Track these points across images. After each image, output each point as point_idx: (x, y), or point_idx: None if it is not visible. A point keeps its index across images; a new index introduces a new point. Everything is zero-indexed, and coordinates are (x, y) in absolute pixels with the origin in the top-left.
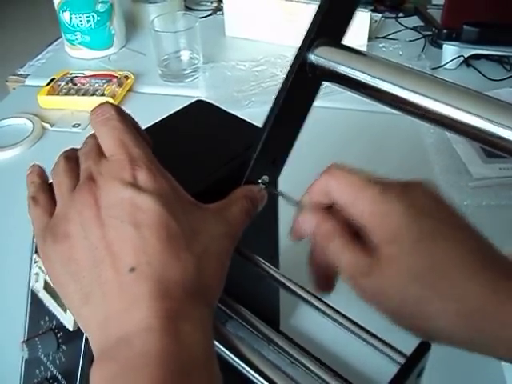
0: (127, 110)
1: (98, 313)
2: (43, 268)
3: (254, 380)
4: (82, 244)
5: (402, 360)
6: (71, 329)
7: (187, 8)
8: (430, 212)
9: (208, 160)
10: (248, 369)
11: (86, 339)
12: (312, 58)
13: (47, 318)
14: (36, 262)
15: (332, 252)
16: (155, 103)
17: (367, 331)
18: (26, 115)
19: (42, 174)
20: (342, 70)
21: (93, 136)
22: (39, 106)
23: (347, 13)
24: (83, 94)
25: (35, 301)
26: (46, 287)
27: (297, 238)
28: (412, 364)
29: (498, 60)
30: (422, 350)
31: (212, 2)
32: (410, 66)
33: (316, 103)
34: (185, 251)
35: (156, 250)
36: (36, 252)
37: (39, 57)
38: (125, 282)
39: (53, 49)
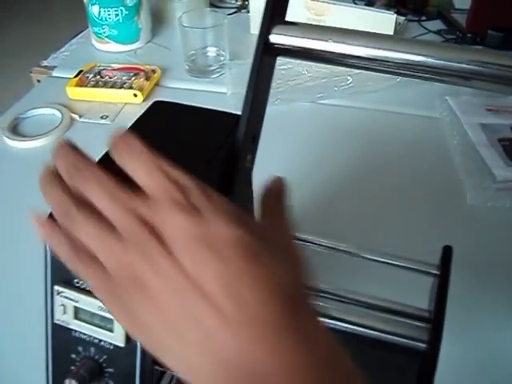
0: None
1: (211, 360)
2: (73, 295)
3: None
4: (173, 298)
5: None
6: (122, 345)
7: (212, 5)
8: None
9: (196, 157)
10: None
11: (142, 350)
12: (270, 37)
13: (80, 349)
14: (59, 292)
15: None
16: (183, 98)
17: None
18: (54, 105)
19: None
20: (297, 43)
21: (104, 181)
22: (68, 97)
23: None
24: (111, 87)
25: (61, 335)
26: (78, 314)
27: None
28: None
29: None
30: None
31: (237, 0)
32: None
33: (342, 103)
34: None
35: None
36: (56, 283)
37: (63, 49)
38: (233, 321)
39: (76, 41)
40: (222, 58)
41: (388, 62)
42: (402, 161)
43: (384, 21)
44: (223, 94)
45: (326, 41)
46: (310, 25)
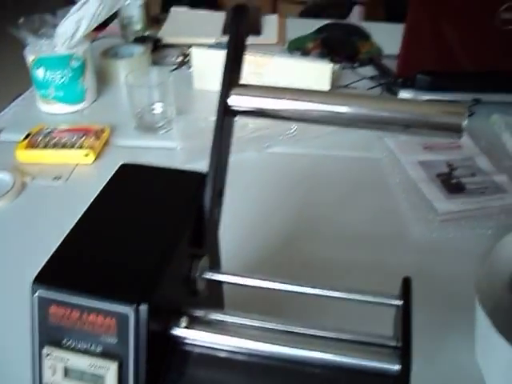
0: (107, 164)
1: None
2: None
3: None
4: None
5: None
6: None
7: (154, 63)
8: None
9: (169, 218)
10: None
11: None
12: (229, 100)
13: None
14: (48, 354)
15: None
16: (133, 155)
17: None
18: (4, 169)
19: None
20: (254, 103)
21: None
22: (17, 160)
23: (241, 58)
24: (62, 147)
25: None
26: (68, 374)
27: None
28: None
29: None
30: None
31: (178, 57)
32: None
33: (288, 150)
34: None
35: None
36: (44, 345)
37: (2, 113)
38: None
39: (19, 104)
40: (169, 114)
41: (336, 115)
42: (350, 202)
43: (321, 70)
44: (173, 149)
45: (280, 99)
46: (264, 86)
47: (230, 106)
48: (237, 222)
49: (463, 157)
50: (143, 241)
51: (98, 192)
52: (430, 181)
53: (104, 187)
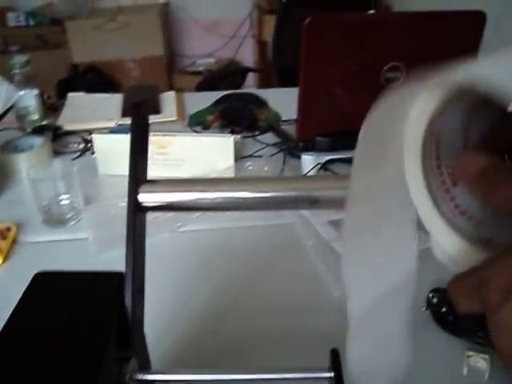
0: (15, 264)
1: None
2: None
3: None
4: None
5: None
6: None
7: (56, 152)
8: None
9: (92, 324)
10: None
11: None
12: (139, 197)
13: None
14: None
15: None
16: (42, 252)
17: None
18: None
19: None
20: (163, 198)
21: None
22: None
23: (146, 151)
24: None
25: None
26: None
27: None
28: None
29: (350, 161)
30: None
31: (79, 143)
32: None
33: (202, 227)
34: None
35: None
36: None
37: None
38: None
39: None
40: (76, 205)
41: (245, 201)
42: (268, 270)
43: (223, 144)
44: (84, 240)
45: (188, 192)
46: (172, 180)
47: (140, 203)
48: (156, 310)
49: None
50: (67, 357)
51: (12, 303)
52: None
53: (20, 300)
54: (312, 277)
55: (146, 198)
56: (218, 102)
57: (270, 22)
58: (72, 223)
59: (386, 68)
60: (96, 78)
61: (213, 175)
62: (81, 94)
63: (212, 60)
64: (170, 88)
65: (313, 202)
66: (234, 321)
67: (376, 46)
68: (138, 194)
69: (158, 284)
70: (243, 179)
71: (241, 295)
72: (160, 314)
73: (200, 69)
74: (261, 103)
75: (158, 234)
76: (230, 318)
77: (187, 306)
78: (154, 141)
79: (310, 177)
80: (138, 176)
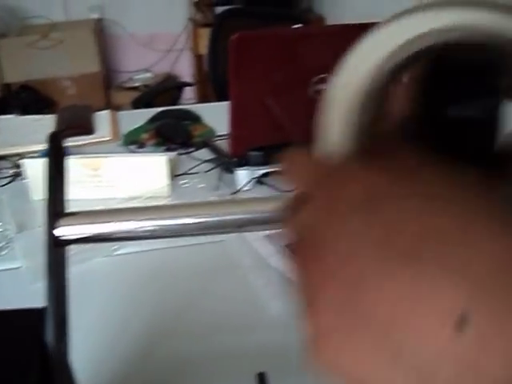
0: None
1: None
2: None
3: None
4: None
5: None
6: None
7: None
8: None
9: (11, 366)
10: None
11: None
12: (57, 232)
13: None
14: None
15: None
16: None
17: None
18: None
19: None
20: (82, 230)
21: None
22: None
23: (63, 182)
24: None
25: None
26: None
27: None
28: None
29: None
30: None
31: (10, 168)
32: (212, 197)
33: (138, 248)
34: None
35: None
36: None
37: None
38: None
39: None
40: (8, 233)
41: (168, 228)
42: (206, 290)
43: (156, 163)
44: (17, 269)
45: (109, 223)
46: (92, 211)
47: (58, 237)
48: (93, 336)
49: None
50: None
51: None
52: (279, 253)
53: None
54: (249, 295)
55: (64, 231)
56: (152, 120)
57: (205, 35)
58: (3, 252)
59: (314, 80)
60: (31, 98)
61: (148, 195)
62: (12, 116)
63: (149, 75)
64: (108, 104)
65: (239, 226)
66: (171, 344)
67: (304, 59)
68: (55, 228)
69: (93, 310)
70: (163, 207)
71: (178, 318)
72: (97, 340)
73: (137, 84)
74: (195, 119)
75: (93, 258)
76: (167, 342)
77: (124, 330)
78: (86, 163)
79: (234, 200)
80: (55, 209)
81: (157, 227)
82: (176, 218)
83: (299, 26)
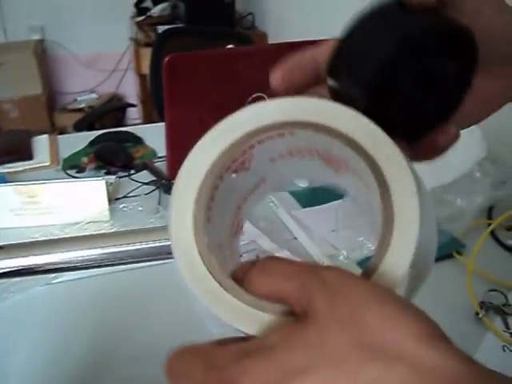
0: None
1: None
2: None
3: None
4: None
5: None
6: None
7: None
8: None
9: None
10: None
11: None
12: None
13: None
14: None
15: None
16: None
17: None
18: None
19: None
20: (9, 265)
21: None
22: None
23: None
24: None
25: None
26: None
27: None
28: None
29: None
30: None
31: None
32: (152, 220)
33: (80, 275)
34: None
35: None
36: None
37: None
38: None
39: None
40: None
41: (87, 258)
42: (149, 313)
43: (95, 187)
44: None
45: (31, 256)
46: (14, 244)
47: None
48: (34, 365)
49: (245, 242)
50: None
51: None
52: None
53: None
54: (191, 316)
55: None
56: (92, 143)
57: (148, 54)
58: None
59: (250, 99)
60: None
61: (88, 220)
62: None
63: (94, 95)
64: (52, 127)
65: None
66: (114, 371)
67: (240, 77)
68: None
69: (34, 338)
70: (87, 237)
71: (122, 341)
72: (38, 366)
73: (82, 105)
74: (137, 141)
75: (32, 288)
76: (110, 370)
77: (67, 355)
78: (24, 190)
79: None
80: None
81: (82, 258)
82: (106, 248)
83: (232, 46)
